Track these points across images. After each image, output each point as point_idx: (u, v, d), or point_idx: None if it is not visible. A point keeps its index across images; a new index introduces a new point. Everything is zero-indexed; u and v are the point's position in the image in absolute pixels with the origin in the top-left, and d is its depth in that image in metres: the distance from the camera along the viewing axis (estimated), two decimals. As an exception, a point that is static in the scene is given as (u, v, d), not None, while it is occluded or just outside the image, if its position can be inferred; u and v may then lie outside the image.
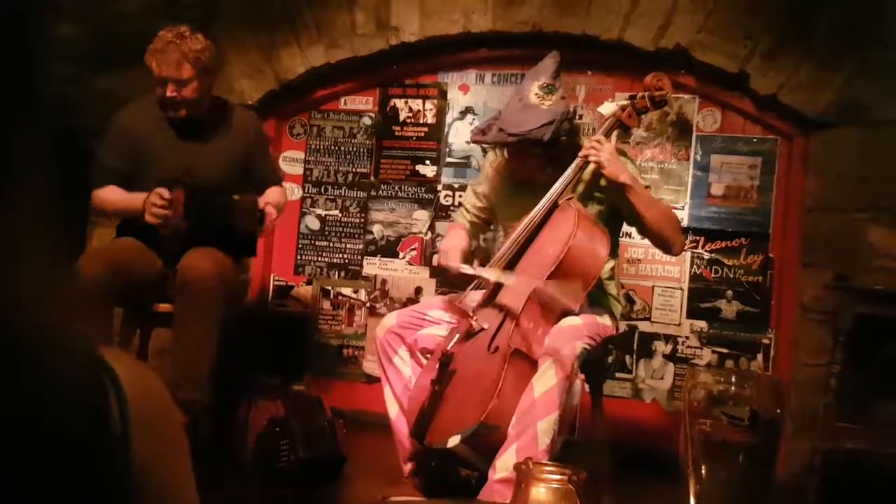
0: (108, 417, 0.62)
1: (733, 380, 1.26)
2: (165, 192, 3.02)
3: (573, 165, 2.81)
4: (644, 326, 3.99)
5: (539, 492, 1.54)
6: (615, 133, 2.94)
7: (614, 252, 2.97)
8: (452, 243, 2.98)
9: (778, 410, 1.24)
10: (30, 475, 0.53)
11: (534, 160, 2.83)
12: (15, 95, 0.55)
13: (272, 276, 4.51)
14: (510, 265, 2.81)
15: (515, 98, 2.82)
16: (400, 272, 4.35)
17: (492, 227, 3.42)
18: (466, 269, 2.84)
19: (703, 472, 1.23)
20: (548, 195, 2.81)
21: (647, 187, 2.90)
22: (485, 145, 2.80)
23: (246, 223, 3.17)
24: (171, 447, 0.72)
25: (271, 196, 3.36)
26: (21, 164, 0.55)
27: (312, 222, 4.49)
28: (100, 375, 0.63)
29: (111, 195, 3.23)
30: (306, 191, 4.50)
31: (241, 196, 3.18)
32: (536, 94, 2.77)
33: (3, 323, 0.51)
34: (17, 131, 0.55)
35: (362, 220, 4.43)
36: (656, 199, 2.89)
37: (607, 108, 2.90)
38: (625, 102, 2.87)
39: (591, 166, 2.82)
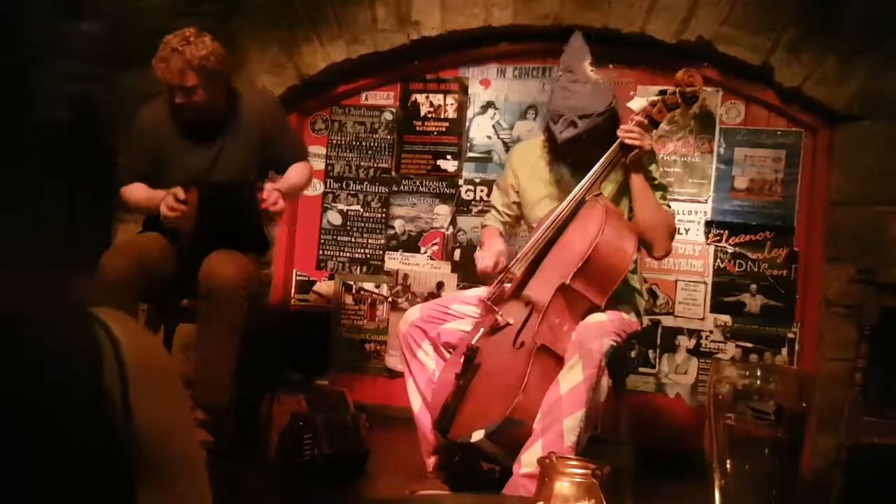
0: (102, 370, 0.63)
1: (758, 374, 1.25)
2: (181, 192, 3.04)
3: (605, 157, 2.80)
4: (667, 321, 3.98)
5: (563, 486, 1.53)
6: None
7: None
8: (487, 254, 2.92)
9: (803, 405, 1.24)
10: (28, 428, 0.54)
11: (600, 135, 2.81)
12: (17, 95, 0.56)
13: (294, 271, 4.53)
14: (536, 260, 2.81)
15: (573, 82, 2.80)
16: (421, 267, 4.36)
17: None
18: (502, 266, 2.83)
19: (728, 466, 1.22)
20: (577, 189, 2.80)
21: (662, 188, 2.92)
22: (575, 133, 2.76)
23: (251, 216, 3.17)
24: (168, 395, 0.74)
25: (289, 176, 3.35)
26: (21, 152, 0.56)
27: (334, 217, 4.50)
28: (95, 331, 0.65)
29: (135, 193, 3.27)
30: (328, 186, 4.52)
31: (240, 190, 3.16)
32: (593, 71, 2.82)
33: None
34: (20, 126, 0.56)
35: (384, 215, 4.44)
36: (655, 199, 2.88)
37: (637, 103, 2.88)
38: (655, 98, 2.86)
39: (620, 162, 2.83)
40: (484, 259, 2.86)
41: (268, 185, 3.14)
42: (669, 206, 2.94)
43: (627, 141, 2.76)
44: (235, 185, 3.17)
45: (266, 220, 3.24)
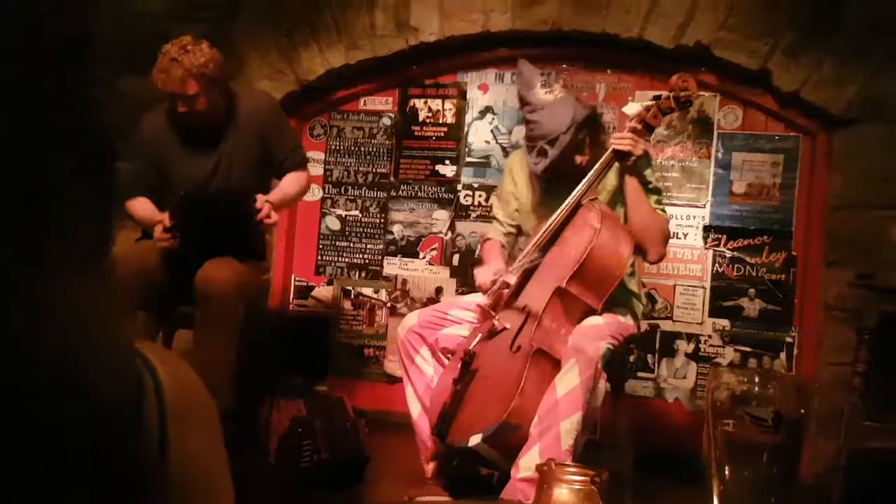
0: (143, 406, 0.63)
1: (756, 380, 1.25)
2: (167, 221, 3.06)
3: (599, 163, 2.81)
4: (666, 325, 3.97)
5: (562, 492, 1.54)
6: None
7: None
8: (486, 270, 2.92)
9: (802, 411, 1.24)
10: (67, 460, 0.54)
11: (577, 148, 2.82)
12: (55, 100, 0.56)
13: (293, 276, 4.53)
14: (533, 265, 2.81)
15: (531, 112, 2.82)
16: (420, 272, 4.36)
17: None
18: (498, 278, 2.83)
19: (727, 472, 1.22)
20: (573, 194, 2.81)
21: (657, 192, 2.92)
22: (548, 162, 2.77)
23: (242, 224, 3.17)
24: (207, 435, 0.73)
25: (283, 186, 3.34)
26: (64, 168, 0.56)
27: (333, 223, 4.50)
28: (136, 366, 0.64)
29: (137, 208, 3.27)
30: (326, 191, 4.52)
31: (235, 201, 3.17)
32: (546, 93, 2.81)
33: (45, 316, 0.52)
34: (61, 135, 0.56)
35: (382, 220, 4.44)
36: (649, 203, 2.88)
37: (632, 108, 2.88)
38: (649, 103, 2.86)
39: (615, 167, 2.83)
40: (483, 276, 2.87)
41: (259, 198, 3.14)
42: (664, 211, 2.95)
43: (619, 147, 2.76)
44: (220, 197, 3.17)
45: (263, 229, 3.24)
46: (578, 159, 2.83)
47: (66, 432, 0.53)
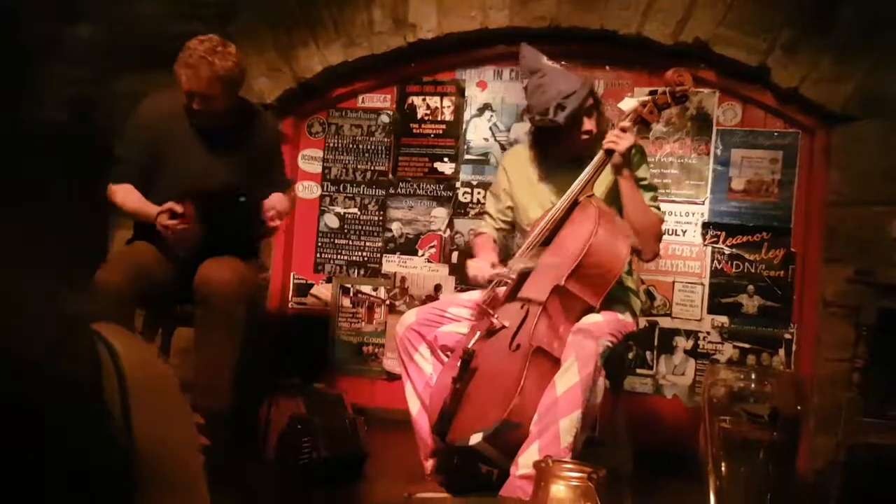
0: (102, 382, 0.63)
1: (753, 377, 1.26)
2: (178, 207, 3.03)
3: (594, 161, 2.81)
4: (665, 322, 3.97)
5: (559, 489, 1.54)
6: (635, 129, 2.92)
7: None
8: (481, 263, 2.94)
9: (799, 408, 1.24)
10: (27, 440, 0.54)
11: (587, 111, 2.85)
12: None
13: (292, 274, 4.52)
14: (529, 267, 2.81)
15: (542, 77, 2.82)
16: (419, 270, 4.36)
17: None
18: (497, 272, 2.83)
19: (723, 469, 1.23)
20: (569, 191, 2.81)
21: (652, 189, 2.93)
22: (567, 112, 2.77)
23: (252, 228, 3.20)
24: (168, 408, 0.73)
25: (272, 201, 3.34)
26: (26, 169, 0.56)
27: (331, 220, 4.50)
28: (95, 347, 0.64)
29: (126, 197, 3.19)
30: (325, 189, 4.51)
31: (249, 201, 3.17)
32: (553, 63, 2.85)
33: None
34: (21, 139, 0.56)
35: (381, 217, 4.43)
36: (644, 202, 2.88)
37: (627, 103, 2.88)
38: (645, 98, 2.86)
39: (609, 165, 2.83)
40: (479, 269, 2.86)
41: (266, 206, 3.18)
42: (659, 208, 2.95)
43: (606, 147, 2.77)
44: (229, 194, 3.16)
45: (264, 230, 3.26)
46: (587, 124, 2.84)
47: (23, 411, 0.53)
